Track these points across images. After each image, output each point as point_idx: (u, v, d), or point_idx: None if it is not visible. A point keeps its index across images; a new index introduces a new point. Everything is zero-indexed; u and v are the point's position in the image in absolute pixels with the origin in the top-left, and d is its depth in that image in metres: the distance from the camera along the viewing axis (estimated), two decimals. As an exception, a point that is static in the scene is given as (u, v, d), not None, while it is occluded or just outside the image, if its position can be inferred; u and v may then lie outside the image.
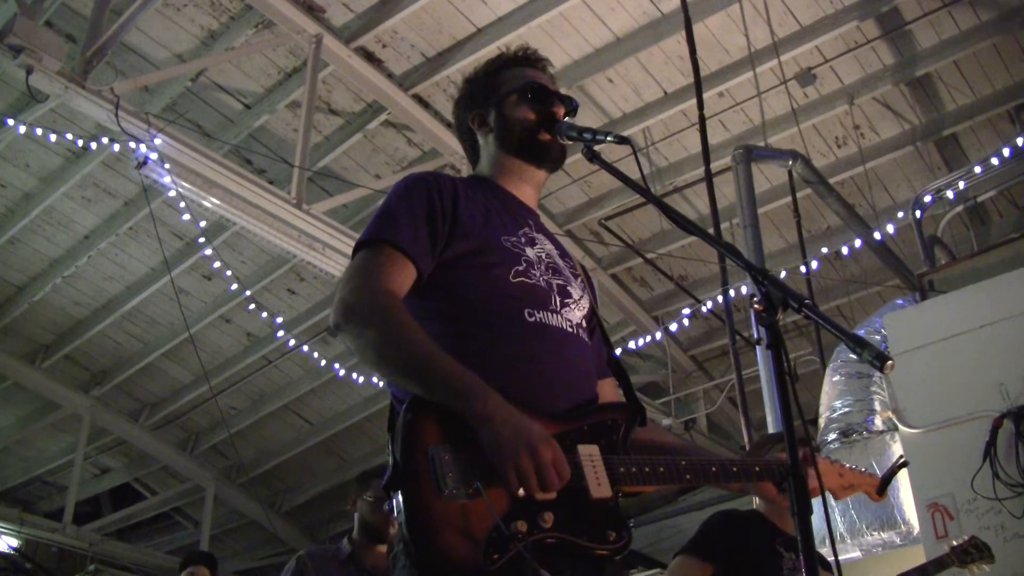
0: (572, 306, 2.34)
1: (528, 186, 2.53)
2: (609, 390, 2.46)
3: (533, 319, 2.23)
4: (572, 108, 2.49)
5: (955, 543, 4.29)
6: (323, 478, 11.59)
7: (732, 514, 3.99)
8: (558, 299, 2.31)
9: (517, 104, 2.47)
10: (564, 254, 2.47)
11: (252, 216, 6.90)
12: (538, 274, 2.31)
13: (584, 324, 2.37)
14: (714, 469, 2.24)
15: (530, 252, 2.34)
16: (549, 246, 2.43)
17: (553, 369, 2.20)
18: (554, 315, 2.27)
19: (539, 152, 2.46)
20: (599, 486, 2.02)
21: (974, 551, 4.24)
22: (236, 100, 8.20)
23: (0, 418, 11.02)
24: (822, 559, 3.64)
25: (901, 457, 3.09)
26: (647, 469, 2.13)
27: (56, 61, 5.99)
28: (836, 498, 2.66)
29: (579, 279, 2.44)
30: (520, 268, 2.28)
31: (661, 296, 10.15)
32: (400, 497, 1.93)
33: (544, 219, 8.86)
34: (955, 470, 5.24)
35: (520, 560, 1.88)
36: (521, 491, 1.91)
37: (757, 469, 2.30)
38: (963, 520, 5.16)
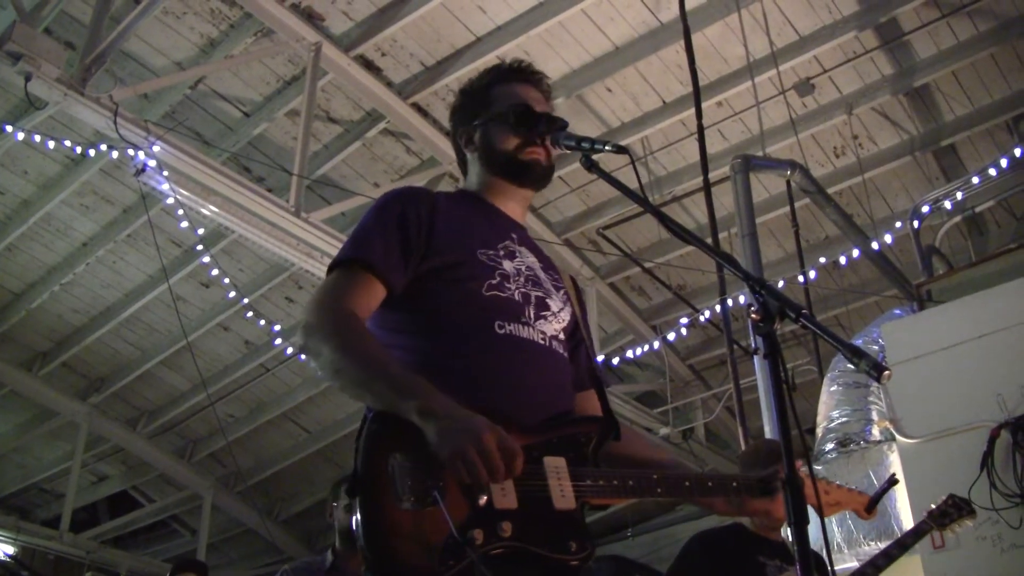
0: (549, 319, 2.35)
1: (513, 202, 2.52)
2: (593, 402, 2.46)
3: (503, 331, 2.24)
4: (559, 129, 2.44)
5: (932, 506, 4.24)
6: (321, 486, 11.56)
7: (708, 536, 4.00)
8: (533, 312, 2.32)
9: (501, 127, 2.46)
10: (548, 267, 2.48)
11: (250, 224, 6.90)
12: (513, 287, 2.32)
13: (561, 336, 2.38)
14: (687, 484, 2.25)
15: (507, 265, 2.34)
16: (531, 259, 2.43)
17: (522, 381, 2.21)
18: (526, 327, 2.28)
19: (522, 173, 2.45)
20: (563, 497, 2.04)
21: (953, 510, 4.17)
22: (235, 108, 8.20)
23: (-3, 425, 11.02)
24: (817, 557, 3.64)
25: (893, 474, 3.03)
26: (615, 482, 2.14)
27: (55, 68, 6.00)
28: (820, 516, 2.63)
29: (562, 291, 2.45)
30: (494, 281, 2.29)
31: (659, 305, 10.15)
32: (358, 505, 1.94)
33: (540, 228, 8.79)
34: (952, 480, 5.21)
35: (476, 569, 1.89)
36: (479, 494, 1.93)
37: (735, 484, 2.30)
38: (960, 530, 5.15)
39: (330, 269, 2.27)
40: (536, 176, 2.47)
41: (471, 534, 1.92)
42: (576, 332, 2.46)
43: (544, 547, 2.01)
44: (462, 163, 2.61)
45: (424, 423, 1.96)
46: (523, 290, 2.33)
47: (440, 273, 2.27)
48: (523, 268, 2.38)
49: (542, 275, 2.42)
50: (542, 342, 2.30)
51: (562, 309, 2.40)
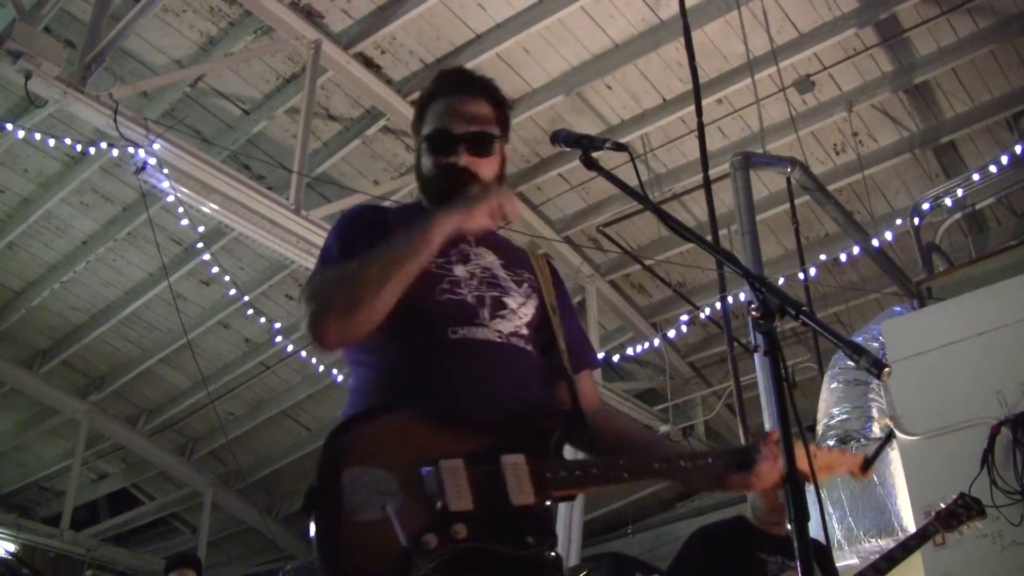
0: (507, 316, 2.35)
1: None
2: (587, 386, 2.49)
3: (457, 336, 2.26)
4: (483, 148, 2.44)
5: (941, 505, 4.21)
6: (321, 484, 11.55)
7: (709, 532, 4.00)
8: (488, 312, 2.32)
9: (426, 151, 2.48)
10: (511, 261, 2.48)
11: (250, 222, 6.90)
12: (466, 291, 2.33)
13: (524, 331, 2.37)
14: (657, 466, 2.23)
15: (460, 270, 2.36)
16: (489, 258, 2.43)
17: (478, 383, 2.22)
18: (481, 328, 2.29)
19: (442, 198, 2.39)
20: (521, 493, 2.05)
21: (962, 511, 4.15)
22: (235, 106, 8.20)
23: (-2, 423, 11.03)
24: (819, 545, 3.64)
25: (890, 431, 2.92)
26: (577, 472, 2.14)
27: (55, 66, 5.99)
28: (814, 482, 2.53)
29: (525, 285, 2.44)
30: (445, 287, 2.31)
31: (659, 303, 10.16)
32: (313, 519, 1.97)
33: (540, 226, 8.78)
34: (953, 477, 5.22)
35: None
36: (435, 500, 1.98)
37: (710, 460, 2.27)
38: (968, 531, 5.15)
39: (305, 289, 2.33)
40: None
41: (425, 540, 1.94)
42: (546, 322, 2.44)
43: (500, 544, 2.02)
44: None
45: (438, 227, 2.21)
46: (477, 293, 2.34)
47: None
48: (477, 271, 2.38)
49: (500, 273, 2.42)
50: (499, 340, 2.30)
51: (523, 304, 2.40)
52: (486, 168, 2.44)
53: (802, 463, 2.04)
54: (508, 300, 2.37)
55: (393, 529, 1.91)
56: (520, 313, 2.38)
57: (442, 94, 2.52)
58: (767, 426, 6.14)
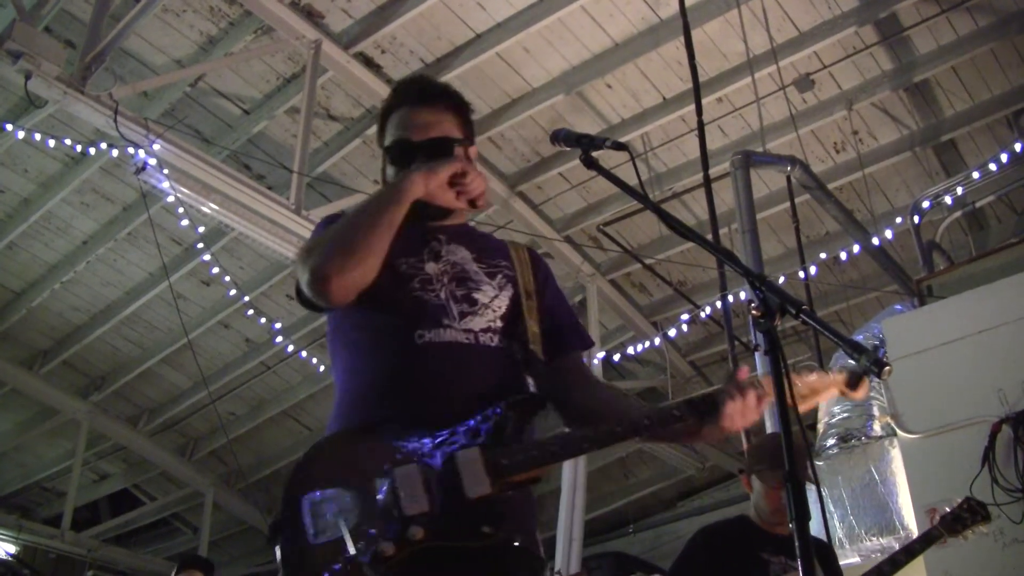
0: (480, 312, 2.36)
1: (427, 218, 2.48)
2: (576, 367, 2.51)
3: (422, 340, 2.28)
4: (443, 153, 2.44)
5: (947, 509, 4.19)
6: (322, 484, 11.56)
7: (711, 531, 3.98)
8: (456, 310, 2.34)
9: (389, 163, 2.52)
10: (485, 254, 2.49)
11: (251, 222, 6.90)
12: (438, 287, 2.36)
13: (498, 324, 2.39)
14: (619, 429, 2.22)
15: (431, 268, 2.38)
16: (461, 253, 2.45)
17: (440, 386, 2.25)
18: (448, 330, 2.31)
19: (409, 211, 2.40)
20: (476, 485, 2.08)
21: (968, 515, 4.12)
22: (235, 105, 8.20)
23: (-2, 424, 11.03)
24: (821, 545, 3.64)
25: (877, 347, 2.66)
26: (534, 453, 2.15)
27: (55, 66, 5.99)
28: (799, 411, 2.24)
29: (499, 276, 2.45)
30: (415, 286, 2.34)
31: (660, 302, 10.16)
32: (278, 547, 2.06)
33: (541, 225, 8.75)
34: (954, 475, 5.22)
35: None
36: (393, 509, 2.04)
37: (676, 413, 2.23)
38: (973, 536, 5.15)
39: (299, 253, 2.39)
40: (428, 213, 2.44)
41: (381, 549, 2.00)
42: (519, 310, 2.44)
43: (457, 539, 2.07)
44: None
45: (407, 188, 2.32)
46: (448, 288, 2.36)
47: (369, 290, 2.30)
48: (448, 267, 2.40)
49: (472, 267, 2.43)
50: (467, 340, 2.32)
51: (497, 296, 2.41)
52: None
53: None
54: (479, 295, 2.38)
55: (346, 545, 1.99)
56: (494, 306, 2.39)
57: (399, 105, 2.54)
58: (768, 425, 6.15)
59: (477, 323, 2.35)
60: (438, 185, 2.37)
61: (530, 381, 2.44)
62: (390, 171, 2.51)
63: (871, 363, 1.88)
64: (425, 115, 2.50)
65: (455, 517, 2.06)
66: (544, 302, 2.50)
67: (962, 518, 4.11)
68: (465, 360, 2.30)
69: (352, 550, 1.98)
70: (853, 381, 2.23)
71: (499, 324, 2.39)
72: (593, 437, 2.20)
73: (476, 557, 2.09)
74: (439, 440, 2.13)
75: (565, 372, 2.48)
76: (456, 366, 2.28)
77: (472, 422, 2.18)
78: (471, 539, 2.07)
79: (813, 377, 2.27)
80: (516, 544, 2.14)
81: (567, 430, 2.31)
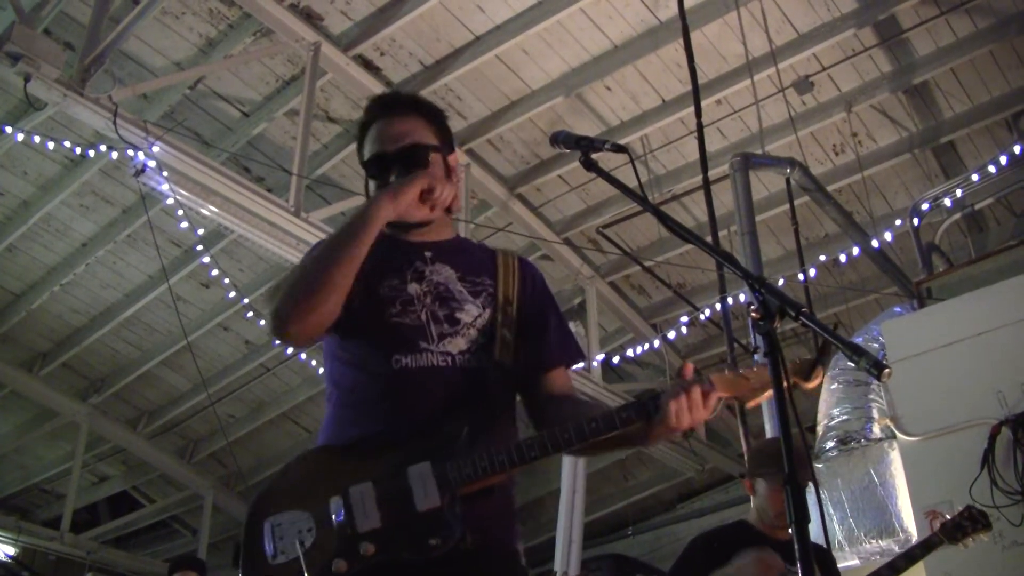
0: (460, 332, 2.37)
1: (416, 231, 2.50)
2: (558, 383, 2.50)
3: (399, 365, 2.31)
4: (417, 161, 2.46)
5: (947, 516, 4.19)
6: (321, 486, 11.55)
7: (710, 536, 3.99)
8: (436, 331, 2.35)
9: (369, 178, 2.54)
10: (470, 273, 2.48)
11: (250, 224, 6.89)
12: (419, 308, 2.37)
13: (480, 341, 2.39)
14: (566, 436, 2.20)
15: (413, 289, 2.39)
16: (446, 272, 2.45)
17: (410, 409, 2.27)
18: (424, 354, 2.32)
19: (391, 223, 2.42)
20: (426, 498, 2.13)
21: (968, 523, 4.12)
22: (234, 108, 8.20)
23: (-2, 426, 11.02)
24: (820, 549, 3.63)
25: (835, 325, 2.47)
26: (484, 464, 2.17)
27: (54, 69, 5.99)
28: (746, 403, 2.29)
29: (483, 295, 2.45)
30: (395, 311, 2.36)
31: (659, 304, 10.16)
32: (241, 570, 2.17)
33: (540, 227, 8.75)
34: (953, 478, 5.23)
35: None
36: (347, 527, 2.12)
37: (624, 415, 2.20)
38: (973, 544, 5.15)
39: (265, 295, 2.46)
40: (404, 225, 2.46)
41: (336, 566, 2.09)
42: (495, 323, 2.43)
43: (406, 551, 2.12)
44: None
45: (378, 211, 2.32)
46: (430, 309, 2.37)
47: (346, 315, 2.33)
48: (431, 288, 2.41)
49: (455, 287, 2.43)
50: (443, 364, 2.33)
51: (480, 315, 2.42)
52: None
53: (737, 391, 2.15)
54: (462, 315, 2.39)
55: (308, 564, 2.08)
56: (477, 324, 2.40)
57: (373, 120, 2.56)
58: (767, 427, 6.15)
59: (457, 344, 2.36)
60: (408, 205, 2.38)
61: (509, 395, 2.45)
62: (372, 185, 2.53)
63: (870, 365, 1.88)
64: (397, 126, 2.51)
65: (405, 531, 2.12)
66: (524, 310, 2.49)
67: (962, 526, 4.11)
68: (439, 383, 2.31)
69: (305, 570, 2.07)
70: (808, 371, 2.16)
71: (482, 341, 2.40)
72: (540, 443, 2.20)
73: (426, 570, 2.12)
74: (392, 457, 2.18)
75: (546, 388, 2.48)
76: (429, 390, 2.30)
77: (423, 437, 2.22)
78: (419, 552, 2.12)
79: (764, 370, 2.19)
80: (474, 546, 2.15)
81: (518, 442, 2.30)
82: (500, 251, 2.61)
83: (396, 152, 2.47)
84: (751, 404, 2.28)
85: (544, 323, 2.52)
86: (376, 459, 2.19)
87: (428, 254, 2.46)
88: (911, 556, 4.16)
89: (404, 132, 2.50)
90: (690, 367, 2.28)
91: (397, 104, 2.59)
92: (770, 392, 2.12)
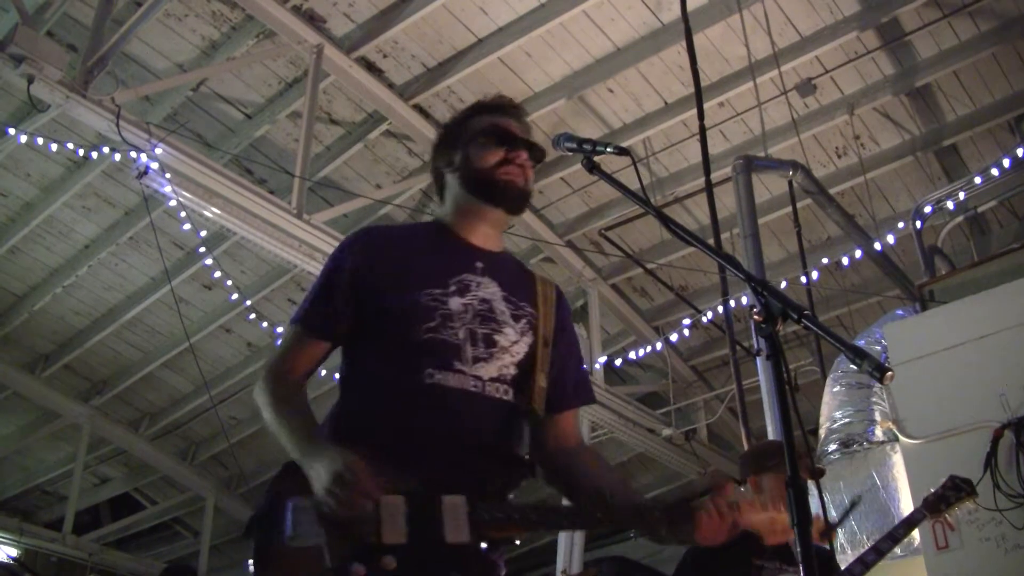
0: (496, 355, 2.34)
1: (486, 226, 2.50)
2: (567, 425, 2.49)
3: (431, 381, 2.27)
4: (537, 155, 2.48)
5: (931, 490, 4.15)
6: (323, 488, 11.54)
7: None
8: (471, 353, 2.31)
9: (481, 145, 2.46)
10: (516, 293, 2.45)
11: (252, 226, 6.89)
12: (458, 325, 2.32)
13: (512, 373, 2.36)
14: (599, 515, 2.24)
15: (454, 303, 2.34)
16: (492, 289, 2.41)
17: (438, 431, 2.25)
18: (458, 375, 2.28)
19: (496, 192, 2.43)
20: (456, 531, 2.12)
21: (951, 493, 4.09)
22: (237, 110, 8.21)
23: (0, 427, 11.01)
24: (822, 554, 3.62)
25: (858, 498, 2.58)
26: (516, 516, 2.19)
27: (57, 71, 5.99)
28: (766, 540, 2.24)
29: (523, 321, 2.42)
30: (432, 324, 2.30)
31: (661, 306, 10.15)
32: (254, 541, 2.14)
33: (542, 229, 8.74)
34: (956, 481, 5.22)
35: None
36: (367, 531, 2.07)
37: (657, 514, 2.19)
38: (964, 531, 5.14)
39: (263, 372, 2.47)
40: (511, 196, 2.45)
41: (353, 569, 2.04)
42: (533, 359, 2.41)
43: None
44: (440, 190, 2.61)
45: (305, 455, 2.28)
46: (469, 327, 2.33)
47: (378, 318, 2.32)
48: (475, 303, 2.36)
49: (499, 306, 2.40)
50: (475, 389, 2.30)
51: (517, 341, 2.38)
52: (530, 181, 2.50)
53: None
54: (500, 338, 2.36)
55: (323, 555, 2.04)
56: (513, 351, 2.37)
57: (487, 112, 2.55)
58: (769, 430, 6.14)
59: (489, 369, 2.32)
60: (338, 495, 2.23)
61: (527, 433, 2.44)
62: (480, 153, 2.47)
63: (872, 368, 1.88)
64: (516, 125, 2.54)
65: (429, 557, 2.10)
66: (558, 351, 2.48)
67: (945, 496, 4.07)
68: (467, 409, 2.28)
69: (328, 561, 2.03)
70: (828, 531, 2.18)
71: (512, 372, 2.36)
72: (572, 519, 2.30)
73: None
74: (429, 481, 2.15)
75: (558, 429, 2.47)
76: (458, 413, 2.27)
77: (461, 469, 2.20)
78: None
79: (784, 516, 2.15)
80: None
81: (548, 503, 2.34)
82: (539, 278, 2.57)
83: (525, 140, 2.49)
84: (767, 540, 2.24)
85: (566, 364, 2.51)
86: (407, 474, 2.14)
87: (480, 265, 2.42)
88: (894, 536, 4.12)
89: (527, 131, 2.54)
90: (731, 486, 2.20)
91: (519, 113, 2.59)
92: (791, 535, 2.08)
